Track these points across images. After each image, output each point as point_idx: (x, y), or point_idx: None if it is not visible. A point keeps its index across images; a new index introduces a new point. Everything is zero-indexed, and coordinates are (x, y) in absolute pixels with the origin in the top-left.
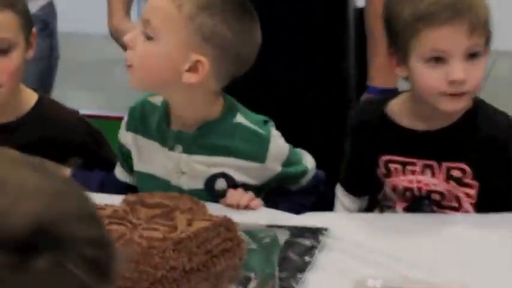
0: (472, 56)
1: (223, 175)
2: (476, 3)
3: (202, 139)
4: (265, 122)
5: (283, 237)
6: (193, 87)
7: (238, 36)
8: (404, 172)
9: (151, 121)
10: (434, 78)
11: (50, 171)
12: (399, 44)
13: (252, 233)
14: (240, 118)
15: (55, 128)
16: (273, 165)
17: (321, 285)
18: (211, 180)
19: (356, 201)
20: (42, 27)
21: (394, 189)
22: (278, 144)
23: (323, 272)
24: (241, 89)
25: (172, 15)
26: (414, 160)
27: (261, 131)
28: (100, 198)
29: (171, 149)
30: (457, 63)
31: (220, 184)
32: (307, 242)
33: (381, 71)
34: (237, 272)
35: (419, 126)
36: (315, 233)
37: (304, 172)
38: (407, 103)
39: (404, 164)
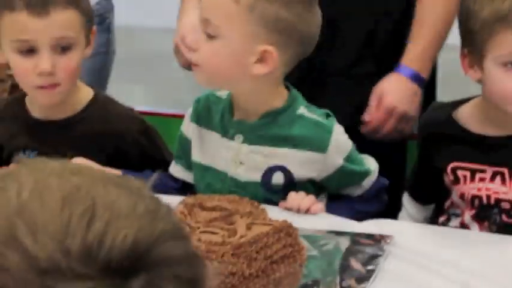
0: None
1: (282, 168)
2: None
3: (263, 129)
4: (328, 115)
5: (345, 244)
6: (261, 77)
7: (301, 17)
8: (473, 179)
9: (215, 112)
10: (511, 83)
11: (135, 187)
12: (475, 45)
13: (312, 238)
14: (302, 109)
15: (109, 124)
16: (335, 158)
17: None
18: (268, 173)
19: (422, 210)
20: (99, 22)
21: (462, 197)
22: (341, 137)
23: (386, 282)
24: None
25: (231, 10)
26: (484, 167)
27: (324, 121)
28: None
29: (232, 138)
30: None
31: (278, 178)
32: (370, 250)
33: (419, 56)
34: (297, 279)
35: (490, 132)
36: (379, 240)
37: (367, 172)
38: (478, 108)
39: (473, 171)
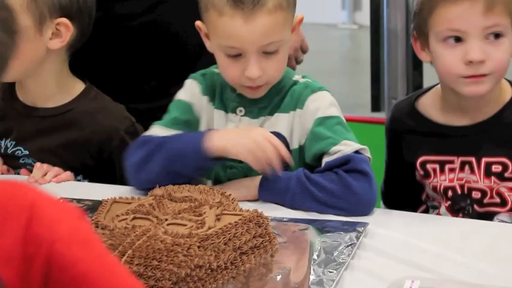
0: (493, 36)
1: (276, 135)
2: None
3: (263, 101)
4: (324, 88)
5: (319, 232)
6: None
7: None
8: (443, 171)
9: (216, 89)
10: (451, 59)
11: None
12: (420, 26)
13: (284, 227)
14: (297, 77)
15: (97, 120)
16: (310, 116)
17: (357, 284)
18: None
19: None
20: None
21: (435, 190)
22: (323, 101)
23: (359, 271)
24: None
25: (282, 18)
26: (452, 158)
27: (313, 83)
28: (125, 192)
29: (233, 111)
30: (474, 42)
31: None
32: (346, 238)
33: None
34: (268, 269)
35: (452, 121)
36: (354, 227)
37: (335, 140)
38: (438, 97)
39: (442, 163)
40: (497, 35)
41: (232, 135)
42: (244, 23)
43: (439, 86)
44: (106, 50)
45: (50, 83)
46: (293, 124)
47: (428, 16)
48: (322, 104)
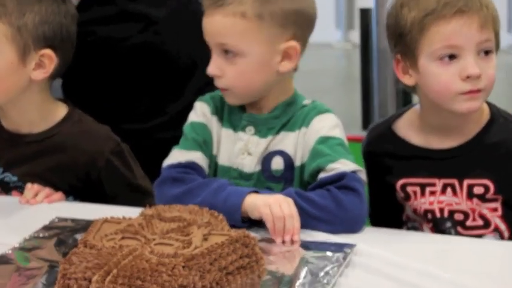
0: (484, 53)
1: (281, 152)
2: None
3: (274, 121)
4: (331, 111)
5: (305, 253)
6: (287, 73)
7: (303, 2)
8: (423, 194)
9: (225, 109)
10: (448, 76)
11: None
12: (407, 47)
13: (272, 248)
14: (307, 101)
15: (82, 143)
16: (313, 135)
17: None
18: (268, 158)
19: None
20: None
21: (415, 212)
22: (328, 122)
23: None
24: None
25: (243, 26)
26: (433, 180)
27: (320, 105)
28: (115, 212)
29: (243, 130)
30: (470, 58)
31: (277, 163)
32: (333, 259)
33: None
34: None
35: (434, 144)
36: (341, 249)
37: (333, 158)
38: (416, 119)
39: (423, 186)
40: (487, 52)
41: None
42: (207, 18)
43: (416, 107)
44: (99, 72)
45: (31, 110)
46: (297, 143)
47: (420, 36)
48: (327, 124)
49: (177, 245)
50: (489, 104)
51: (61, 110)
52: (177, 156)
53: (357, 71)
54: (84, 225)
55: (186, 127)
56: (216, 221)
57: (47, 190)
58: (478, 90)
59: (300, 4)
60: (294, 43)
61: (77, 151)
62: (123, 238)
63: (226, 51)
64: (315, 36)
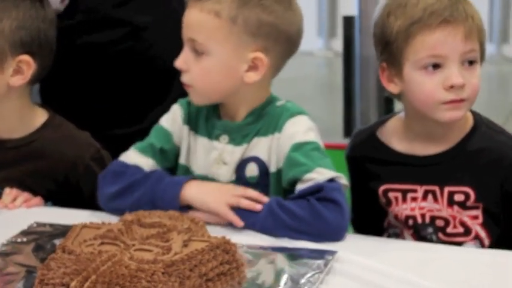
0: (468, 63)
1: (255, 159)
2: (470, 9)
3: (248, 128)
4: (304, 112)
5: (287, 259)
6: (254, 84)
7: (283, 18)
8: (405, 200)
9: (201, 116)
10: (432, 85)
11: None
12: (392, 55)
13: (253, 254)
14: (280, 102)
15: (61, 149)
16: (287, 141)
17: None
18: (242, 165)
19: None
20: None
21: (397, 218)
22: (302, 126)
23: None
24: None
25: (214, 25)
26: (415, 187)
27: (292, 107)
28: (95, 217)
29: (217, 139)
30: (454, 68)
31: (251, 170)
32: (314, 266)
33: None
34: None
35: (416, 150)
36: (322, 255)
37: (309, 167)
38: (400, 126)
39: (404, 192)
40: (471, 62)
41: (203, 191)
42: (187, 11)
43: (400, 114)
44: (81, 77)
45: (11, 116)
46: (271, 148)
47: (405, 45)
48: (300, 128)
49: (157, 251)
50: (473, 113)
51: (41, 116)
52: (129, 154)
53: (338, 79)
54: (62, 231)
55: (154, 127)
56: (196, 227)
57: (25, 195)
58: (462, 100)
59: (278, 19)
60: (261, 55)
61: (57, 157)
62: (102, 244)
63: (195, 48)
64: None
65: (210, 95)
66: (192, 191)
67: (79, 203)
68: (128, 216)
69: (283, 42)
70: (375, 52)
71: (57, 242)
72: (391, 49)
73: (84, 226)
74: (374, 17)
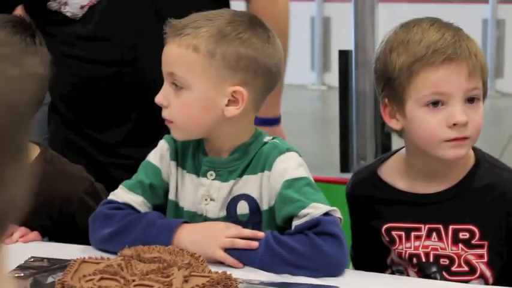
0: (470, 100)
1: (245, 196)
2: (473, 46)
3: (234, 164)
4: (292, 149)
5: None
6: (235, 118)
7: (262, 51)
8: (408, 239)
9: (188, 152)
10: (435, 123)
11: None
12: (395, 92)
13: None
14: (267, 138)
15: (55, 183)
16: (277, 179)
17: None
18: (232, 203)
19: None
20: None
21: (400, 256)
22: (291, 162)
23: None
24: None
25: (193, 60)
26: (419, 225)
27: (280, 144)
28: (93, 252)
29: (204, 175)
30: (457, 105)
31: (242, 208)
32: None
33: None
34: None
35: (418, 188)
36: None
37: (304, 203)
38: (402, 164)
39: (408, 230)
40: (473, 99)
41: (197, 236)
42: (165, 46)
43: (401, 151)
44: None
45: None
46: (262, 186)
47: (408, 82)
48: (290, 165)
49: (158, 287)
50: (474, 149)
51: (34, 151)
52: (118, 194)
53: (332, 113)
54: (60, 265)
55: (141, 164)
56: (197, 262)
57: (22, 229)
58: (465, 138)
59: (256, 52)
60: (241, 89)
61: (50, 192)
62: (101, 279)
63: (175, 83)
64: (290, 78)
65: (191, 130)
66: (185, 237)
67: (75, 237)
68: (127, 251)
69: (263, 76)
70: (376, 87)
71: (54, 277)
72: (393, 85)
73: (83, 261)
74: (375, 51)
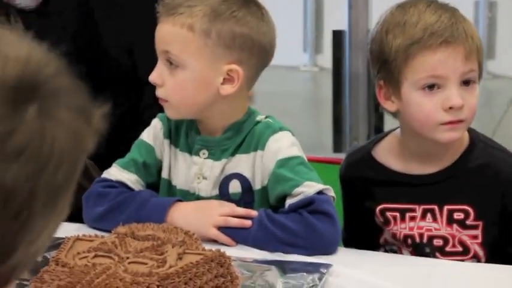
0: (465, 83)
1: (238, 176)
2: (470, 28)
3: (227, 142)
4: (285, 128)
5: (282, 273)
6: (230, 96)
7: (257, 29)
8: (403, 219)
9: (181, 131)
10: (431, 106)
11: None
12: (391, 74)
13: (248, 268)
14: (260, 117)
15: None
16: (270, 158)
17: None
18: (225, 182)
19: None
20: None
21: (394, 237)
22: (284, 141)
23: None
24: None
25: (188, 38)
26: (413, 206)
27: (274, 123)
28: (87, 230)
29: (197, 154)
30: (454, 89)
31: (234, 187)
32: (309, 279)
33: None
34: None
35: (414, 169)
36: (317, 269)
37: (297, 182)
38: (396, 145)
39: (403, 211)
40: (469, 82)
41: (190, 214)
42: (159, 25)
43: (395, 132)
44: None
45: None
46: (255, 165)
47: (404, 64)
48: (283, 144)
49: (152, 264)
50: (469, 130)
51: None
52: (111, 172)
53: (324, 94)
54: (54, 243)
55: (135, 143)
56: (191, 240)
57: None
58: (460, 121)
59: (251, 30)
60: (236, 67)
61: None
62: (96, 256)
63: (169, 61)
64: (282, 59)
65: (186, 109)
66: (178, 215)
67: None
68: (121, 229)
69: (258, 54)
70: (371, 69)
71: (49, 254)
72: (389, 68)
73: (77, 239)
74: (371, 32)
